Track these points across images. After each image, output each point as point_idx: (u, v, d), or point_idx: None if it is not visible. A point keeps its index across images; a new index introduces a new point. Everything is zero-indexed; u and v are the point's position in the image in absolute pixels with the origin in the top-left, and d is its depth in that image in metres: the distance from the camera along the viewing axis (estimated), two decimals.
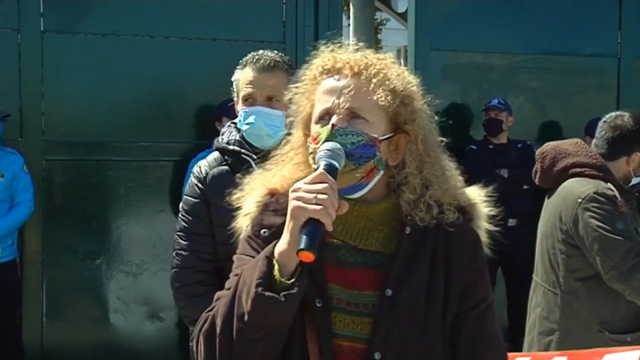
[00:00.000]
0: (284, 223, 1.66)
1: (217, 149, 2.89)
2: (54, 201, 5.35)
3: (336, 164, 1.64)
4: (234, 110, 2.90)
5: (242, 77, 2.82)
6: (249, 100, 2.80)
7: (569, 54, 6.41)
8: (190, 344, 3.03)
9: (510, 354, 3.26)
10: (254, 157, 2.76)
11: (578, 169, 3.33)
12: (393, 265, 1.72)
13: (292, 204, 1.58)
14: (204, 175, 2.82)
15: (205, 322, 1.69)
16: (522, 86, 6.42)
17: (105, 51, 5.38)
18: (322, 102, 1.74)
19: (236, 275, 1.70)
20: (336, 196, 1.58)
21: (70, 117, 5.34)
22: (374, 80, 1.72)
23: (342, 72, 1.74)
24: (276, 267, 1.59)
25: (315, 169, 1.65)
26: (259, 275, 1.57)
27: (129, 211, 5.47)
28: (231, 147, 2.83)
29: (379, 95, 1.71)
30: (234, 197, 1.85)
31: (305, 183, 1.59)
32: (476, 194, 1.83)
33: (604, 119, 3.47)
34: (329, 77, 1.76)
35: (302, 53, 5.44)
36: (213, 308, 1.70)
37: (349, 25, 11.18)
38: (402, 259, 1.72)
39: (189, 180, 2.89)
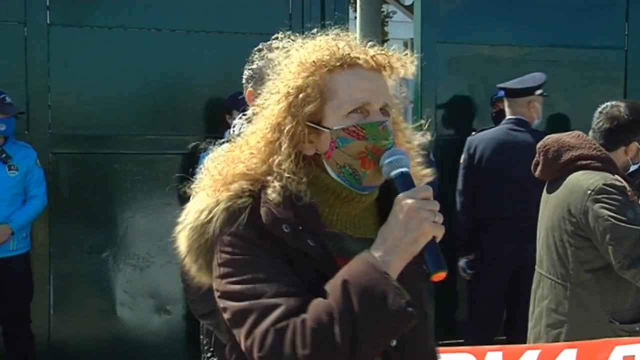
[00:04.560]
0: (295, 215, 1.59)
1: (228, 142, 2.88)
2: (61, 194, 5.36)
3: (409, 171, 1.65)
4: (244, 102, 2.88)
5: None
6: None
7: (576, 46, 6.38)
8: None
9: (519, 346, 3.28)
10: None
11: (584, 162, 3.36)
12: None
13: (425, 222, 1.54)
14: None
15: (280, 339, 1.51)
16: None
17: (111, 44, 5.37)
18: (356, 95, 1.66)
19: (257, 281, 1.56)
20: None
21: (77, 110, 5.34)
22: (388, 76, 1.72)
23: (364, 65, 1.68)
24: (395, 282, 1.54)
25: (353, 169, 1.65)
26: (397, 291, 1.51)
27: (135, 204, 5.47)
28: None
29: (395, 93, 1.73)
30: (201, 182, 1.72)
31: (421, 199, 1.56)
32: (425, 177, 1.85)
33: (599, 109, 3.50)
34: (353, 68, 1.68)
35: None
36: (279, 325, 1.52)
37: (355, 17, 11.16)
38: None
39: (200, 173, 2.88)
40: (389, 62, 1.71)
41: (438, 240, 1.56)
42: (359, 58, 1.68)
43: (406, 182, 1.62)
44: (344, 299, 1.50)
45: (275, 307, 1.53)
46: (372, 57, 1.69)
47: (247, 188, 1.64)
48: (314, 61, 1.66)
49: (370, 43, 1.74)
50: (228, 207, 1.62)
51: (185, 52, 5.52)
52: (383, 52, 1.72)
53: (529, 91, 5.41)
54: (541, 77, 5.46)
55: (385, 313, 1.50)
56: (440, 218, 1.56)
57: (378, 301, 1.50)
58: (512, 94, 5.45)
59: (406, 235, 1.54)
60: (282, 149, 1.64)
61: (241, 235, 1.60)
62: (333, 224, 1.69)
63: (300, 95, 1.64)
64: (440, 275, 1.53)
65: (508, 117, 5.45)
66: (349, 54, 1.68)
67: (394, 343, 1.63)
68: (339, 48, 1.69)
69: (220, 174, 1.68)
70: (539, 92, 5.41)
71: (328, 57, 1.67)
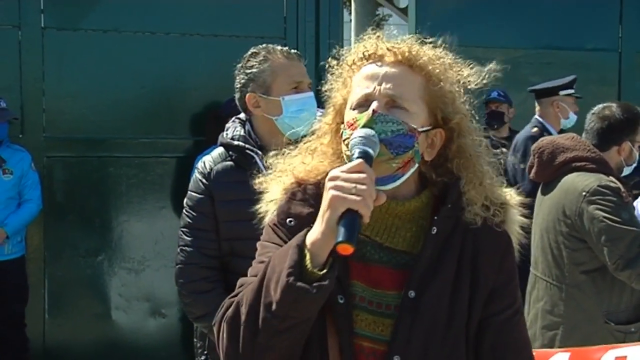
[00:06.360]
0: (311, 213, 1.61)
1: (221, 145, 2.89)
2: (56, 198, 5.34)
3: (371, 151, 1.57)
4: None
5: (281, 67, 2.81)
6: (296, 88, 2.81)
7: (570, 48, 6.42)
8: (200, 330, 3.03)
9: None
10: (259, 152, 2.75)
11: (578, 163, 3.37)
12: (417, 266, 1.65)
13: (329, 193, 1.51)
14: (208, 170, 2.82)
15: (228, 308, 1.62)
16: (523, 81, 6.40)
17: (106, 48, 5.36)
18: (362, 88, 1.66)
19: (261, 262, 1.65)
20: (374, 187, 1.52)
21: (71, 113, 5.33)
22: (418, 71, 1.67)
23: (384, 59, 1.67)
24: (307, 256, 1.52)
25: (349, 156, 1.59)
26: (290, 264, 1.50)
27: (130, 208, 5.46)
28: (235, 142, 2.82)
29: (421, 87, 1.67)
30: (259, 180, 1.79)
31: (342, 171, 1.52)
32: (512, 198, 1.76)
33: (592, 111, 3.54)
34: (369, 63, 1.69)
35: (302, 48, 5.43)
36: (237, 294, 1.63)
37: (350, 20, 11.18)
38: (427, 260, 1.65)
39: (194, 176, 2.88)
40: (416, 59, 1.67)
41: (366, 216, 1.50)
42: (377, 53, 1.68)
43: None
44: (262, 272, 1.56)
45: (245, 283, 1.64)
46: (394, 51, 1.67)
47: (286, 187, 1.75)
48: (348, 63, 1.72)
49: (412, 38, 1.73)
50: (272, 200, 1.77)
51: (180, 55, 5.51)
52: (408, 44, 1.69)
53: (552, 91, 5.56)
54: (567, 78, 5.64)
55: (278, 284, 1.51)
56: (360, 190, 1.49)
57: (275, 272, 1.53)
58: (537, 94, 5.66)
59: (323, 207, 1.53)
60: (322, 149, 1.76)
61: (269, 222, 1.74)
62: (363, 230, 1.65)
63: (341, 99, 1.73)
64: (345, 248, 1.47)
65: (535, 117, 5.68)
66: (368, 50, 1.69)
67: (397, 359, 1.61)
68: (365, 46, 1.71)
69: (277, 170, 1.80)
70: (564, 92, 5.54)
71: (355, 57, 1.71)
